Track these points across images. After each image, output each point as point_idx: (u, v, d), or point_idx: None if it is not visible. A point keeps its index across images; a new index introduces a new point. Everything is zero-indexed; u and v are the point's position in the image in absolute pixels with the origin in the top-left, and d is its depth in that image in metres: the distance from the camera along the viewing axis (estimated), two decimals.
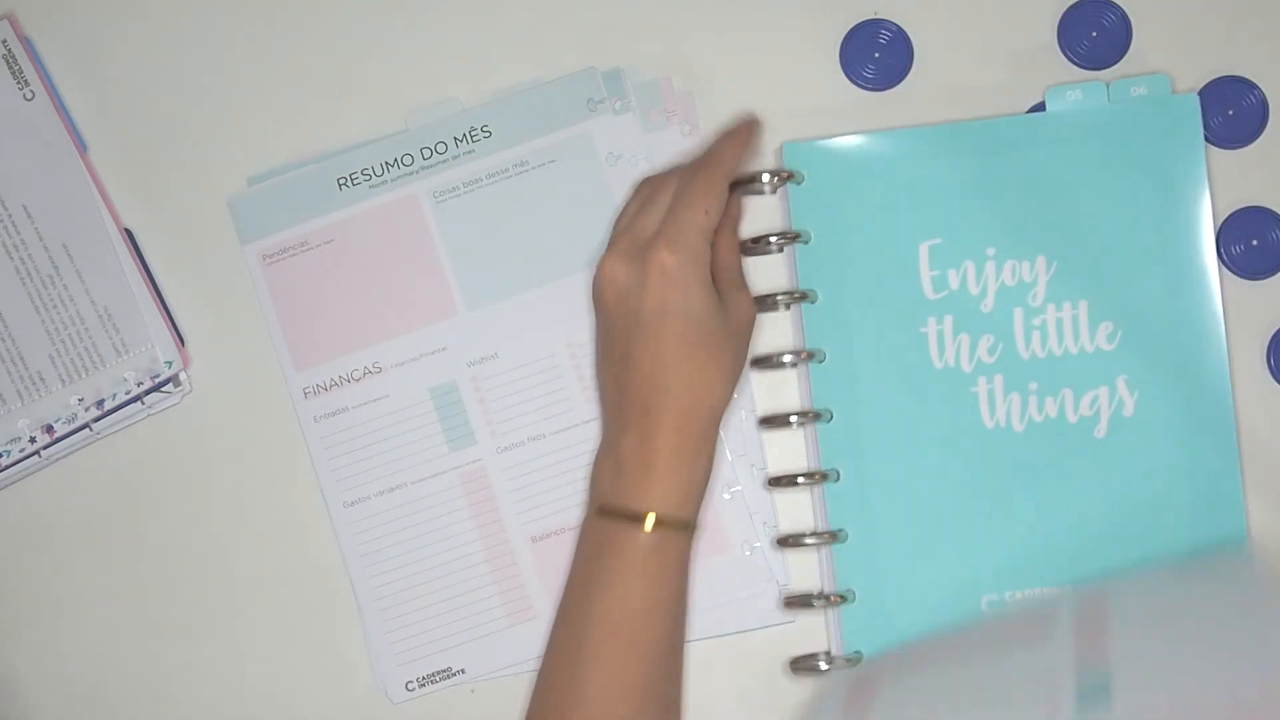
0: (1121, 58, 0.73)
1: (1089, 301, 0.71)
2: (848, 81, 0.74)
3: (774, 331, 0.73)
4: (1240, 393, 0.72)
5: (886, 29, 0.74)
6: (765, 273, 0.73)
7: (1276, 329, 0.73)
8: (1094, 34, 0.73)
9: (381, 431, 0.74)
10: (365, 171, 0.74)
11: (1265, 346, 0.73)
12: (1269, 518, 0.71)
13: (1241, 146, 0.73)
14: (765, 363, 0.71)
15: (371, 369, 0.74)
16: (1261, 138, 0.73)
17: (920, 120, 0.73)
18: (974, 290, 0.71)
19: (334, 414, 0.74)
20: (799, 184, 0.71)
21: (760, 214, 0.73)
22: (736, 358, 0.66)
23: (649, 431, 0.63)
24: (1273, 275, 0.73)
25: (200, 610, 0.74)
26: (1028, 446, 0.71)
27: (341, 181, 0.74)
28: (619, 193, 0.73)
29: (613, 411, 0.66)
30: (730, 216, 0.69)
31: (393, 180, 0.74)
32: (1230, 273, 0.73)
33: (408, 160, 0.74)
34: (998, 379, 0.71)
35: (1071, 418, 0.71)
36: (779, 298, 0.71)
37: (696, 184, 0.66)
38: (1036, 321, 0.71)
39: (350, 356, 0.74)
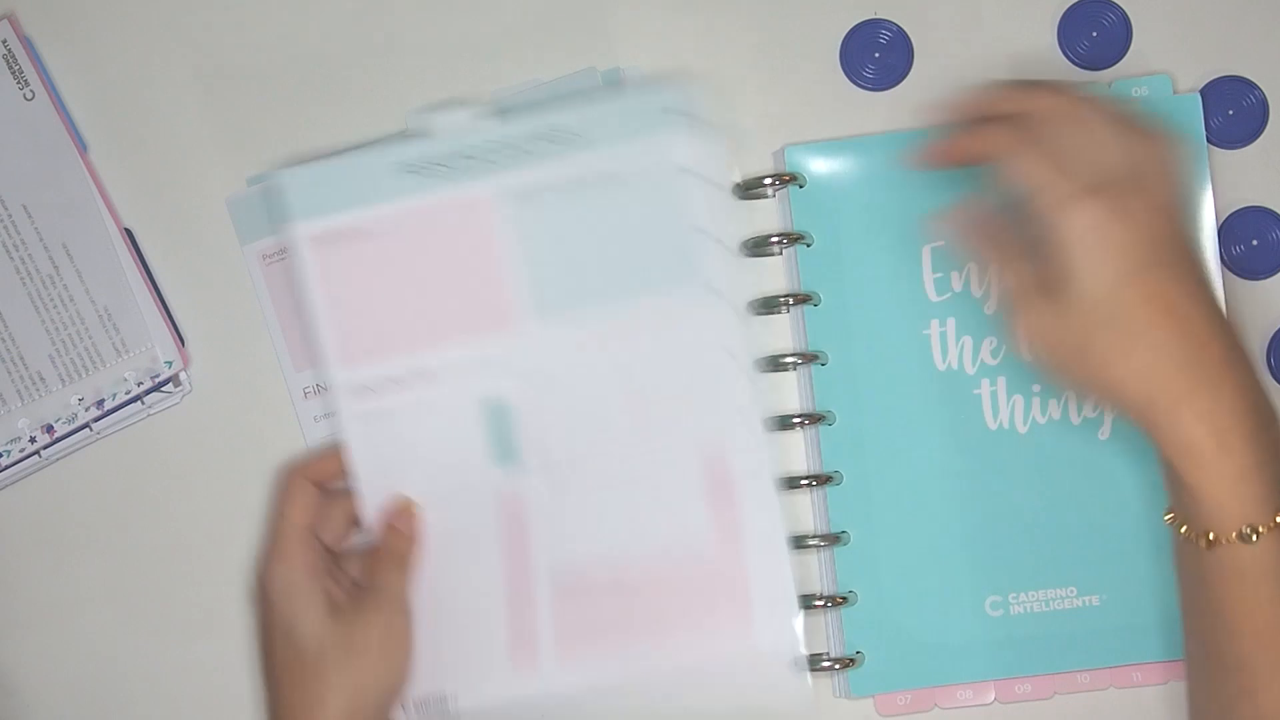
0: (1121, 58, 0.73)
1: None
2: (848, 81, 0.74)
3: (777, 334, 0.73)
4: None
5: (886, 29, 0.74)
6: (768, 275, 0.72)
7: (1276, 329, 0.73)
8: (1094, 34, 0.73)
9: (421, 438, 0.69)
10: (436, 162, 0.68)
11: (1265, 346, 0.73)
12: None
13: (1242, 146, 0.73)
14: (768, 365, 0.71)
15: (422, 374, 0.69)
16: (1262, 137, 0.73)
17: (921, 121, 0.73)
18: (977, 292, 0.71)
19: (375, 416, 0.69)
20: (801, 186, 0.71)
21: (762, 216, 0.72)
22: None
23: None
24: (1273, 275, 0.73)
25: (200, 610, 0.74)
26: (1031, 448, 0.71)
27: (408, 168, 0.68)
28: (692, 209, 0.68)
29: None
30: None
31: (463, 173, 0.68)
32: (1230, 273, 0.73)
33: (482, 152, 0.68)
34: (1001, 381, 0.71)
35: (1075, 419, 0.71)
36: (781, 299, 0.71)
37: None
38: None
39: (400, 358, 0.69)
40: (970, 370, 0.71)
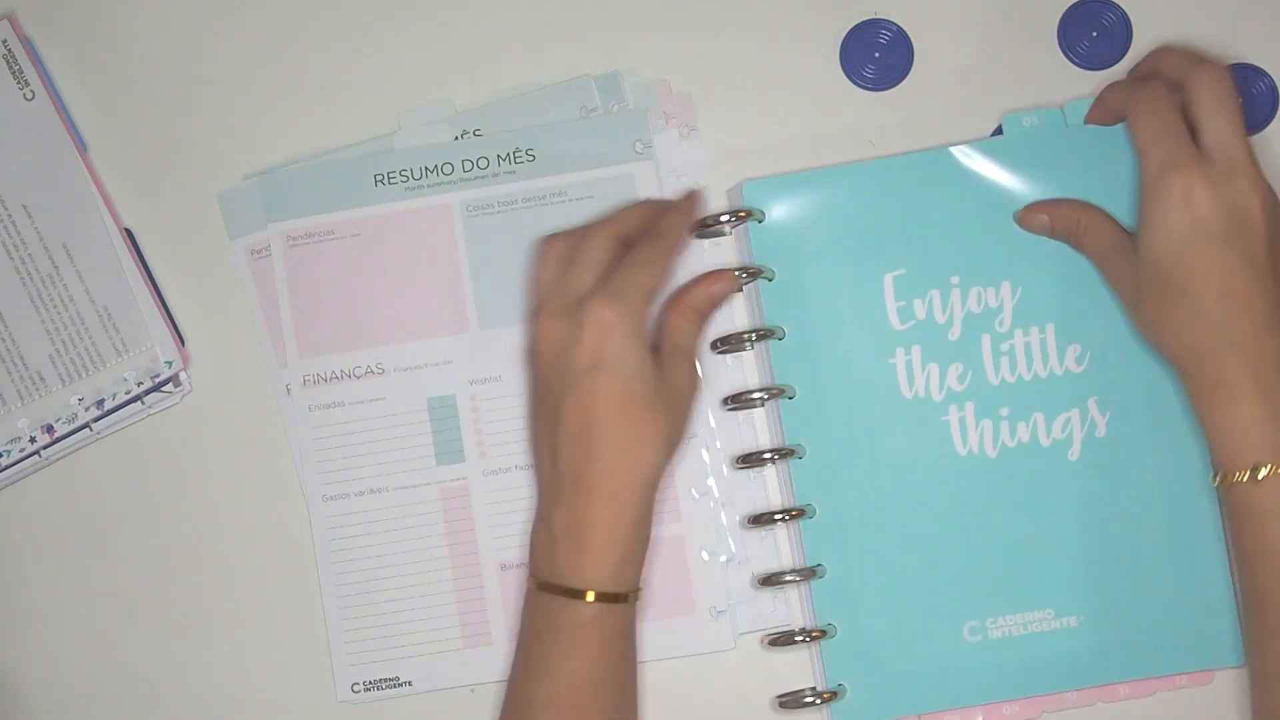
0: (1122, 57, 0.73)
1: (1056, 324, 0.70)
2: (848, 81, 0.74)
3: (742, 370, 0.72)
4: None
5: (886, 29, 0.74)
6: (731, 311, 0.72)
7: None
8: (1094, 34, 0.73)
9: (372, 433, 0.73)
10: (404, 172, 0.73)
11: None
12: None
13: (1253, 134, 0.73)
14: (736, 401, 0.71)
15: (374, 369, 0.73)
16: (1273, 124, 0.73)
17: (922, 121, 0.73)
18: (940, 319, 0.71)
19: (329, 406, 0.73)
20: (760, 221, 0.71)
21: (723, 254, 0.73)
22: (672, 425, 0.64)
23: (580, 503, 0.62)
24: None
25: (200, 610, 0.74)
26: (1002, 472, 0.70)
27: (379, 178, 0.73)
28: None
29: (546, 480, 0.64)
30: (694, 292, 0.68)
31: (430, 186, 0.73)
32: None
33: (448, 169, 0.73)
34: (969, 406, 0.71)
35: (1045, 441, 0.70)
36: (745, 336, 0.71)
37: (642, 249, 0.65)
38: (1004, 347, 0.70)
39: (356, 353, 0.73)
40: (937, 397, 0.70)
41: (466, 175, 0.73)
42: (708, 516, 0.72)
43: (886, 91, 0.74)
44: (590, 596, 0.62)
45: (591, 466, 0.62)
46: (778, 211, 0.71)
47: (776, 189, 0.71)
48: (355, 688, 0.72)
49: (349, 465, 0.73)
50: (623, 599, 0.63)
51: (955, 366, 0.71)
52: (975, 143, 0.71)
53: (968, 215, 0.70)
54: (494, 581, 0.72)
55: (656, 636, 0.71)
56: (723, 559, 0.72)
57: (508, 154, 0.73)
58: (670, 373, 0.65)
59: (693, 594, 0.72)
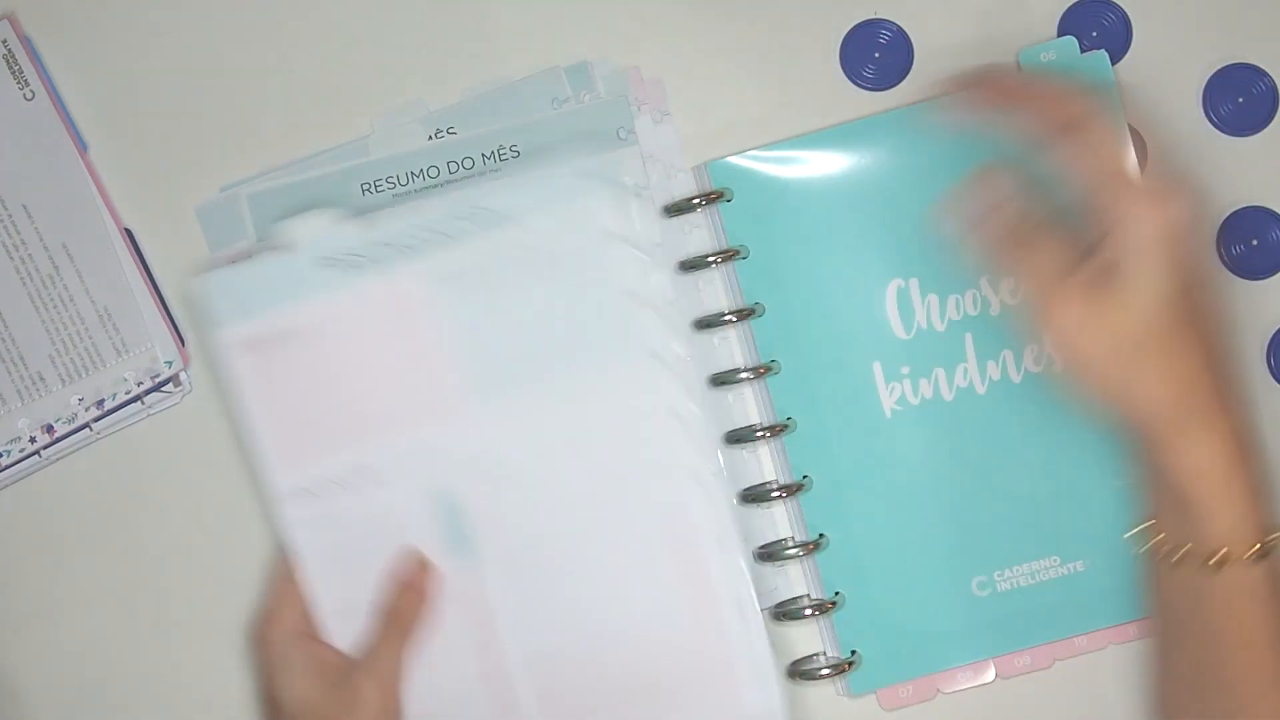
0: (1122, 57, 0.73)
1: None
2: (848, 81, 0.74)
3: (726, 349, 0.72)
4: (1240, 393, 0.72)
5: (886, 29, 0.74)
6: (710, 293, 0.72)
7: (1276, 329, 0.73)
8: (1094, 34, 0.73)
9: (372, 538, 0.67)
10: (356, 254, 0.67)
11: (1265, 346, 0.73)
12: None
13: (1251, 134, 0.73)
14: (723, 380, 0.71)
15: (363, 470, 0.67)
16: (1271, 125, 0.73)
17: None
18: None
19: (320, 519, 0.67)
20: (728, 201, 0.71)
21: (696, 237, 0.72)
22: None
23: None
24: (1273, 275, 0.73)
25: (200, 610, 0.74)
26: (992, 415, 0.70)
27: (329, 262, 0.66)
28: (620, 273, 0.67)
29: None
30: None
31: (384, 260, 0.66)
32: (1230, 272, 0.73)
33: (408, 239, 0.67)
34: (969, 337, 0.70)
35: (1022, 373, 0.70)
36: (726, 316, 0.71)
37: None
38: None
39: (339, 456, 0.67)
40: (940, 328, 0.70)
41: (419, 244, 0.67)
42: (703, 499, 0.71)
43: (886, 91, 0.74)
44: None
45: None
46: (746, 189, 0.71)
47: (742, 166, 0.71)
48: None
49: (352, 578, 0.67)
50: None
51: (955, 299, 0.70)
52: (926, 101, 0.70)
53: (939, 168, 0.69)
54: (524, 676, 0.68)
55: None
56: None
57: (464, 212, 0.67)
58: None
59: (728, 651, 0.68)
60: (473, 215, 0.67)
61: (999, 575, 0.70)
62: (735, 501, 0.71)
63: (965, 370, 0.70)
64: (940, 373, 0.70)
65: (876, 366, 0.70)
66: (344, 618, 0.67)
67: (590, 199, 0.67)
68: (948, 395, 0.70)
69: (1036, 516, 0.70)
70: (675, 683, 0.68)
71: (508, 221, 0.67)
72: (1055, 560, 0.70)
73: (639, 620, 0.68)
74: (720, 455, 0.71)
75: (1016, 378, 0.70)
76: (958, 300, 0.70)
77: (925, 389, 0.70)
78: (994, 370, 0.70)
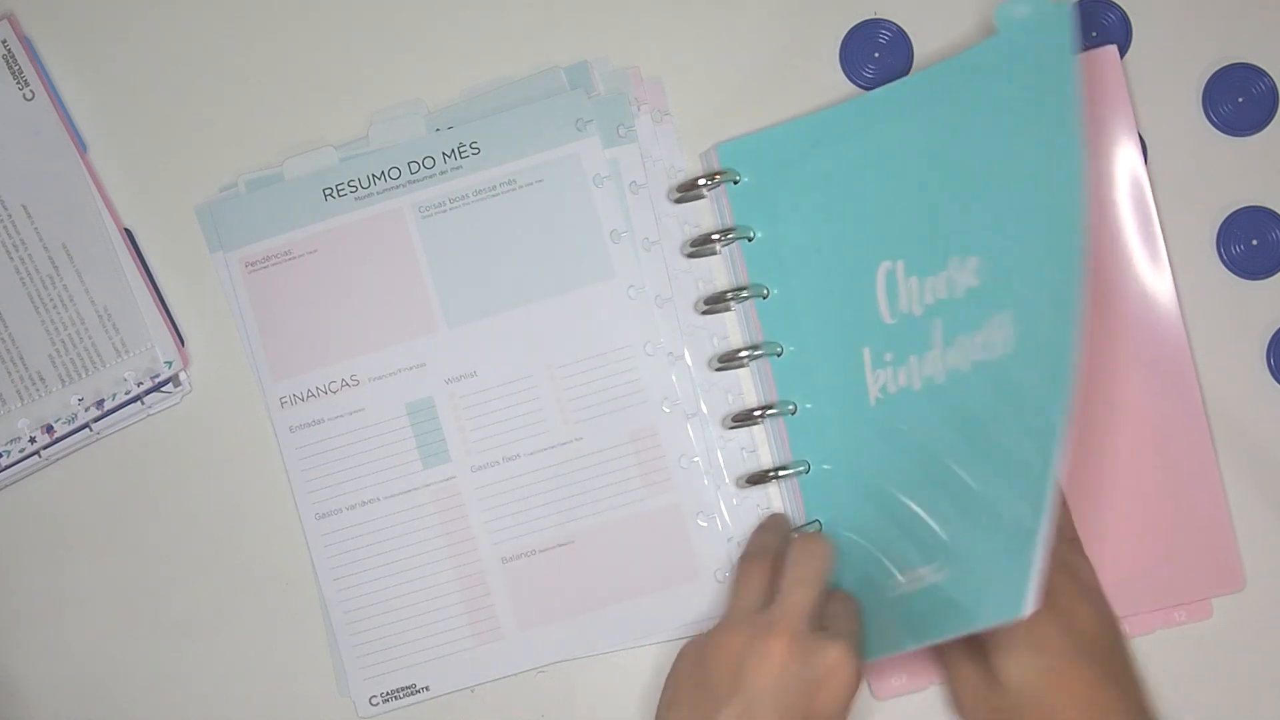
0: (1123, 57, 0.73)
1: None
2: (848, 81, 0.74)
3: (731, 330, 0.73)
4: (1240, 393, 0.72)
5: (886, 29, 0.74)
6: (717, 274, 0.73)
7: (1276, 329, 0.73)
8: (1094, 34, 0.73)
9: (356, 445, 0.73)
10: (351, 183, 0.73)
11: (1265, 346, 0.73)
12: (1271, 521, 0.71)
13: (1250, 134, 0.73)
14: (724, 361, 0.71)
15: (349, 381, 0.73)
16: (1270, 126, 0.73)
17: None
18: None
19: (309, 425, 0.73)
20: (736, 182, 0.71)
21: (704, 218, 0.73)
22: None
23: None
24: (1273, 275, 0.73)
25: (200, 610, 0.74)
26: (984, 391, 0.67)
27: (327, 192, 0.73)
28: (604, 213, 0.72)
29: None
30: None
31: (379, 193, 0.73)
32: (1230, 273, 0.73)
33: (395, 174, 0.73)
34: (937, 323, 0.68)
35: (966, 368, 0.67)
36: (730, 296, 0.71)
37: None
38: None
39: (328, 369, 0.73)
40: (918, 313, 0.68)
41: (414, 177, 0.73)
42: (699, 482, 0.72)
43: None
44: None
45: None
46: (753, 170, 0.71)
47: (750, 147, 0.71)
48: (374, 700, 0.72)
49: (337, 481, 0.73)
50: None
51: (938, 296, 0.68)
52: (946, 60, 0.68)
53: (942, 143, 0.67)
54: (497, 576, 0.72)
55: (661, 612, 0.72)
56: (719, 524, 0.72)
57: (453, 150, 0.73)
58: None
59: (696, 562, 0.72)
60: (464, 152, 0.73)
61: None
62: (732, 484, 0.72)
63: (932, 358, 0.68)
64: (914, 360, 0.68)
65: (865, 352, 0.70)
66: (329, 521, 0.73)
67: (580, 143, 0.73)
68: (917, 385, 0.68)
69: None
70: (640, 557, 0.72)
71: (497, 160, 0.73)
72: None
73: (603, 511, 0.72)
74: (703, 390, 0.73)
75: (966, 368, 0.66)
76: (933, 283, 0.67)
77: (902, 377, 0.68)
78: (955, 359, 0.66)
